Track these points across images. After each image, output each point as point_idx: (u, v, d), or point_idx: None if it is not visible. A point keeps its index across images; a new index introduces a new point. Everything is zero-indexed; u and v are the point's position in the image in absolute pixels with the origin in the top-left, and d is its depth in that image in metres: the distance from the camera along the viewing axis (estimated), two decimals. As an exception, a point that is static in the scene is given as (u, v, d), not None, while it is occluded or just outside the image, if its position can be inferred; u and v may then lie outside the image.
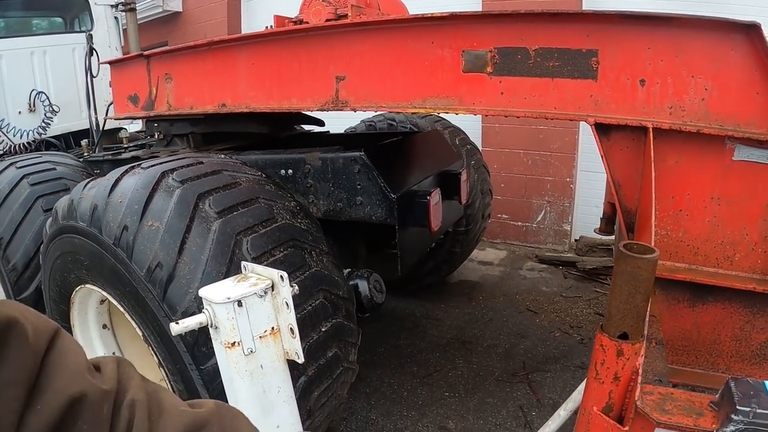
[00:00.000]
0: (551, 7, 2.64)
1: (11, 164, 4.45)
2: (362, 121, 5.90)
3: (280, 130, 4.61)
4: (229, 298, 1.83)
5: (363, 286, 3.27)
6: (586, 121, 2.46)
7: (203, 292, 1.93)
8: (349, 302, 2.97)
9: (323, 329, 2.66)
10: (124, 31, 7.69)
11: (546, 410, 4.02)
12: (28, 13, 7.81)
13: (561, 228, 7.34)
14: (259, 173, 3.13)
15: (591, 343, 4.80)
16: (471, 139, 5.73)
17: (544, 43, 2.49)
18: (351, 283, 3.27)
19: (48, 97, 6.97)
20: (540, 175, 7.27)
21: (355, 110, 3.05)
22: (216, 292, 1.89)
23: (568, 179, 7.13)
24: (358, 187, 3.19)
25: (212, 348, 2.01)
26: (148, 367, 3.43)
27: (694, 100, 2.29)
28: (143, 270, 2.43)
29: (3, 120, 6.75)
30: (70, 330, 3.44)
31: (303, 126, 5.17)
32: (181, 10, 11.68)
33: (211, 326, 1.90)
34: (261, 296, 1.89)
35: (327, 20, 3.22)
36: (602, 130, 2.46)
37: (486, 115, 2.79)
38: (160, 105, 4.11)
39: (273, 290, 1.94)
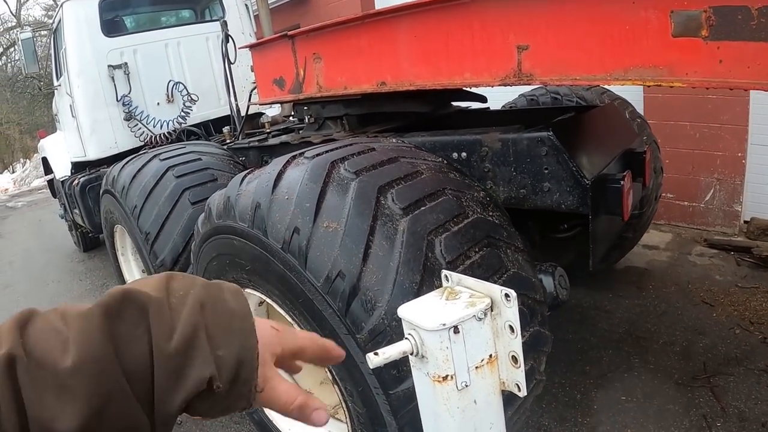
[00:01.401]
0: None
1: (155, 156, 4.31)
2: (521, 96, 5.43)
3: (440, 108, 4.22)
4: (444, 325, 1.44)
5: (548, 282, 2.83)
6: None
7: (405, 312, 1.56)
8: (544, 306, 2.56)
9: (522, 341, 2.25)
10: (256, 17, 7.63)
11: (731, 420, 3.56)
12: (160, 8, 7.96)
13: (731, 209, 6.62)
14: (440, 159, 2.75)
15: (775, 342, 4.28)
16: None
17: None
18: (535, 279, 2.87)
19: (186, 87, 7.02)
20: (709, 149, 6.56)
21: (545, 84, 2.64)
22: (424, 315, 1.51)
23: (739, 154, 6.38)
24: (546, 171, 2.74)
25: (404, 371, 1.67)
26: (311, 371, 3.17)
27: None
28: (320, 280, 2.10)
29: (142, 112, 6.85)
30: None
31: (460, 103, 4.79)
32: (312, -10, 11.59)
33: (416, 355, 1.53)
34: (480, 319, 1.50)
35: (504, -18, 2.78)
36: None
37: (706, 87, 2.29)
38: (309, 87, 3.84)
39: (492, 311, 1.54)
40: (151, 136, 6.80)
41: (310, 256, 2.13)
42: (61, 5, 6.86)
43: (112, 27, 7.02)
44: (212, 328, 0.76)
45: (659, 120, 6.71)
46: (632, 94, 6.14)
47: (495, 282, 2.10)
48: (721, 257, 6.08)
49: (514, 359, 1.56)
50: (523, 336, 2.20)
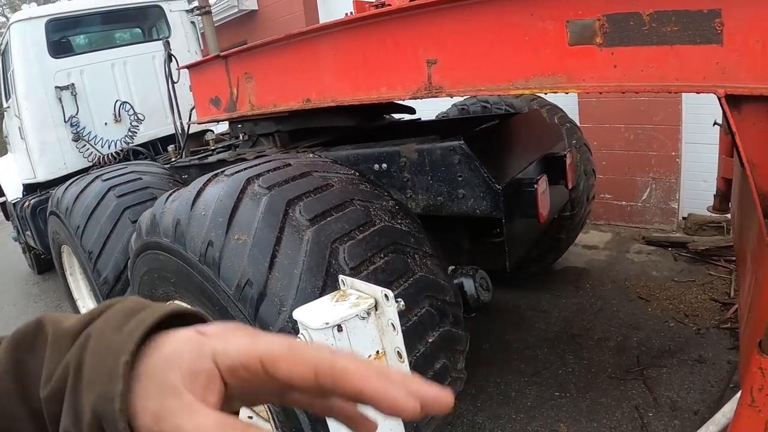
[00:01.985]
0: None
1: (97, 177, 4.42)
2: (454, 105, 5.60)
3: (370, 121, 4.38)
4: (327, 324, 1.58)
5: (468, 284, 2.99)
6: (714, 92, 2.05)
7: (298, 314, 1.70)
8: (457, 306, 2.71)
9: (430, 340, 2.40)
10: (202, 34, 7.70)
11: (664, 411, 3.71)
12: (107, 27, 7.98)
13: (668, 206, 6.85)
14: (352, 171, 2.89)
15: (708, 333, 4.48)
16: (569, 116, 5.43)
17: (659, 6, 2.13)
18: (456, 281, 3.01)
19: (132, 107, 7.10)
20: (643, 150, 6.80)
21: (451, 96, 2.77)
22: (312, 315, 1.66)
23: (673, 153, 6.62)
24: (460, 179, 2.90)
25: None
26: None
27: None
28: (232, 288, 2.23)
29: (90, 132, 6.89)
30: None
31: (393, 115, 4.95)
32: (256, 7, 11.69)
33: (308, 353, 1.67)
34: (363, 318, 1.64)
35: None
36: (733, 102, 2.05)
37: (600, 92, 2.44)
38: (242, 105, 3.96)
39: (377, 310, 1.68)
40: (100, 157, 6.85)
41: (222, 267, 2.26)
42: (9, 26, 6.90)
43: (59, 48, 7.07)
44: (85, 369, 0.59)
45: (594, 123, 6.95)
46: (567, 99, 6.33)
47: (401, 285, 2.26)
48: (658, 253, 6.28)
49: (399, 354, 1.69)
50: (432, 336, 2.35)
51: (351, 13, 3.29)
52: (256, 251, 2.21)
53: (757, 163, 2.08)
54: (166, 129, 7.16)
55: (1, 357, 0.63)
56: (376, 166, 3.15)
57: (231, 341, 0.59)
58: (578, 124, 6.60)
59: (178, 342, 0.60)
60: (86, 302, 5.32)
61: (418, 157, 3.00)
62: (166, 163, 5.29)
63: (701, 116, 6.24)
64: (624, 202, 7.16)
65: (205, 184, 2.64)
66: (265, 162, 2.78)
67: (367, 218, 2.47)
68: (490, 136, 3.48)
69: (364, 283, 1.75)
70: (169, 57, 5.76)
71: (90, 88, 6.99)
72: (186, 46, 7.52)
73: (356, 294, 1.74)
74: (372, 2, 3.27)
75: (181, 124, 5.89)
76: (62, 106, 6.78)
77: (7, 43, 7.02)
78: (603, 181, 7.00)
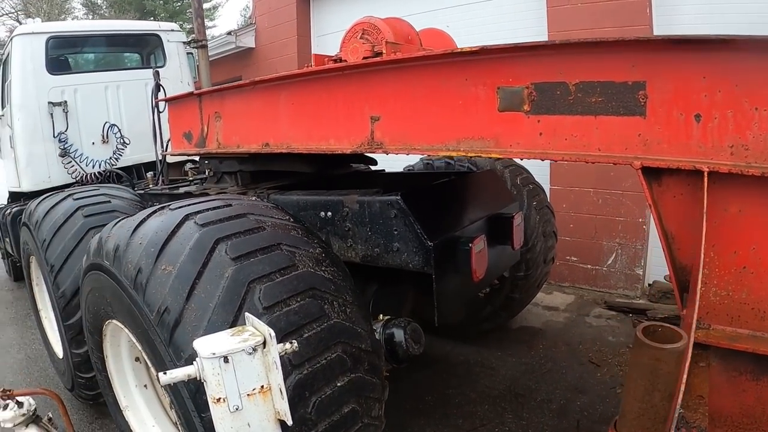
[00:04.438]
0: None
1: (69, 195, 4.58)
2: (421, 160, 5.75)
3: (332, 169, 4.54)
4: (214, 354, 1.74)
5: (399, 335, 3.15)
6: (631, 164, 2.17)
7: (197, 343, 1.86)
8: (374, 356, 2.80)
9: (339, 384, 2.49)
10: (198, 66, 7.91)
11: None
12: (106, 50, 8.19)
13: (633, 272, 6.99)
14: (287, 217, 3.02)
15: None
16: (536, 178, 5.48)
17: (585, 77, 2.26)
18: (387, 332, 3.15)
19: (120, 130, 7.27)
20: (611, 215, 6.97)
21: (387, 153, 2.94)
22: (206, 345, 1.81)
23: (640, 220, 6.79)
24: (395, 232, 3.08)
25: (214, 397, 1.93)
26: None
27: (759, 136, 1.95)
28: (153, 313, 2.38)
29: (77, 150, 7.04)
30: (103, 360, 3.46)
31: (363, 163, 5.08)
32: (254, 46, 11.98)
33: (199, 379, 1.82)
34: (250, 353, 1.80)
35: (364, 58, 3.12)
36: (652, 174, 2.16)
37: (523, 159, 2.59)
38: (210, 142, 4.14)
39: (264, 347, 1.84)
40: (83, 175, 7.04)
41: (147, 293, 2.42)
42: (11, 38, 7.17)
43: (56, 65, 7.30)
44: None
45: (564, 186, 7.14)
46: (537, 161, 6.49)
47: (313, 329, 2.42)
48: (618, 319, 6.35)
49: (281, 391, 1.84)
50: (342, 380, 2.49)
51: (311, 65, 3.46)
52: (177, 282, 2.36)
53: (676, 236, 2.20)
54: (150, 155, 7.30)
55: None
56: (322, 214, 3.33)
57: None
58: (549, 185, 6.79)
59: None
60: (48, 313, 5.43)
61: (359, 208, 3.18)
62: (142, 190, 5.45)
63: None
64: (589, 266, 7.29)
65: (149, 215, 2.80)
66: (207, 200, 2.94)
67: (290, 262, 2.60)
68: (438, 193, 3.64)
69: (259, 322, 1.90)
70: (158, 87, 5.93)
71: (82, 107, 7.21)
72: (179, 76, 7.75)
73: (251, 331, 1.90)
74: (331, 57, 3.45)
75: (163, 153, 6.06)
76: (53, 122, 7.00)
77: (8, 54, 7.26)
78: (569, 244, 7.15)
